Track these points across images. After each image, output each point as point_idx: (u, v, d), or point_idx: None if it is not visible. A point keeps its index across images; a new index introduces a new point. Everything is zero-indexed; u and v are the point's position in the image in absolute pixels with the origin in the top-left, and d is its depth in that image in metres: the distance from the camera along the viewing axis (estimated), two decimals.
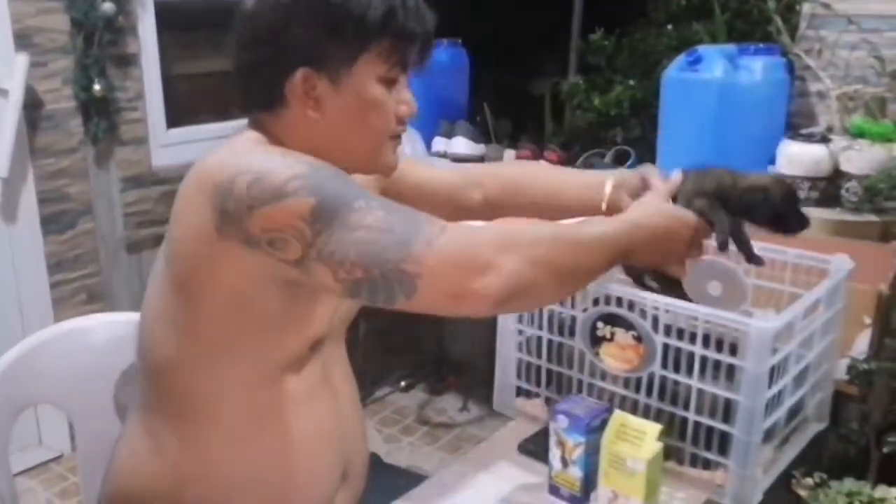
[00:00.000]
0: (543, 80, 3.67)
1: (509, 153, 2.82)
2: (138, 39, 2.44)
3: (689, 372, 1.09)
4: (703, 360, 1.08)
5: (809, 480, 1.16)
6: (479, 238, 0.89)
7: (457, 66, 3.08)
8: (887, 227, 1.70)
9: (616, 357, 1.16)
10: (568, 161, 2.71)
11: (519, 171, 1.36)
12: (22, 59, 2.17)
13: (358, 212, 0.87)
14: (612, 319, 1.15)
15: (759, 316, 1.02)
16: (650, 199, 1.11)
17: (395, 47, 0.97)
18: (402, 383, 2.96)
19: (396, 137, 1.04)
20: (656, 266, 1.14)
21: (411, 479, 1.32)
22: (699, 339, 1.07)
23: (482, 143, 2.91)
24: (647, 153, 2.72)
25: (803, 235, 1.20)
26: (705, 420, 1.09)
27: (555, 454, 1.08)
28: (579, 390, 1.21)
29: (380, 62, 0.97)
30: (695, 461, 1.12)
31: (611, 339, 1.16)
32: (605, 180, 1.21)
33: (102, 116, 2.38)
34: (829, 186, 1.78)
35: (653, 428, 1.01)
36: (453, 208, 1.24)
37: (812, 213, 1.79)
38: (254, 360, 1.00)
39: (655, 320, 1.10)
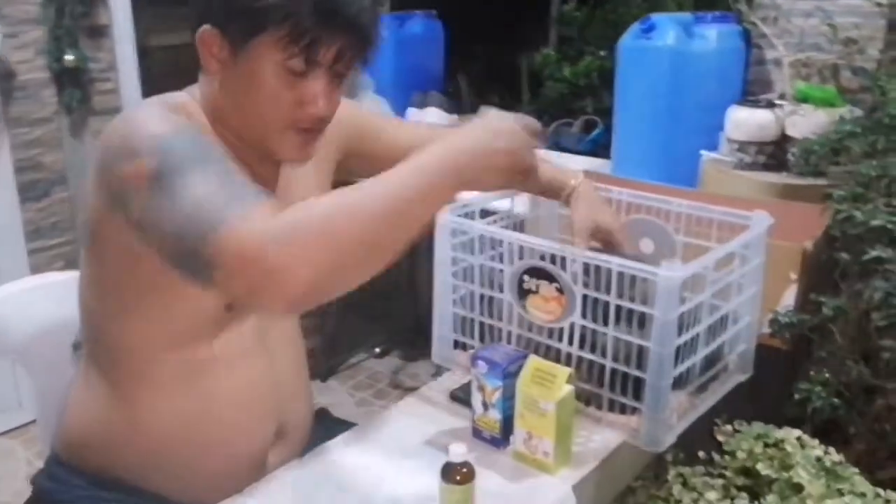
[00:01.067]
0: (523, 53, 3.70)
1: None
2: (109, 10, 2.48)
3: (606, 321, 1.14)
4: (618, 309, 1.13)
5: (729, 427, 1.23)
6: (280, 231, 0.84)
7: (431, 37, 3.12)
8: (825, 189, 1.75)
9: (540, 308, 1.21)
10: None
11: None
12: None
13: (191, 182, 0.88)
14: (537, 273, 1.20)
15: (666, 266, 1.07)
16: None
17: (293, 41, 0.97)
18: (377, 350, 3.02)
19: (304, 131, 1.04)
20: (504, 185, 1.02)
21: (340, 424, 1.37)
22: (613, 290, 1.12)
23: (455, 113, 2.96)
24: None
25: (734, 196, 1.25)
26: (621, 367, 1.14)
27: (476, 398, 1.14)
28: (509, 341, 1.27)
29: (276, 50, 0.97)
30: (612, 406, 1.17)
31: (536, 292, 1.21)
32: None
33: (75, 87, 2.42)
34: (777, 151, 1.82)
35: (563, 372, 1.07)
36: None
37: (759, 177, 1.85)
38: (167, 318, 1.04)
39: (575, 273, 1.15)
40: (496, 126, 0.97)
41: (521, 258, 1.23)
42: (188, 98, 1.07)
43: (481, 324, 1.30)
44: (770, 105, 1.80)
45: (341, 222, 0.86)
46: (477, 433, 1.15)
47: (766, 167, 1.83)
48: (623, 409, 1.17)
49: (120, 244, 0.98)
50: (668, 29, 1.95)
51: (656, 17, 1.99)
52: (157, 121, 0.95)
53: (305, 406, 1.26)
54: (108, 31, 2.49)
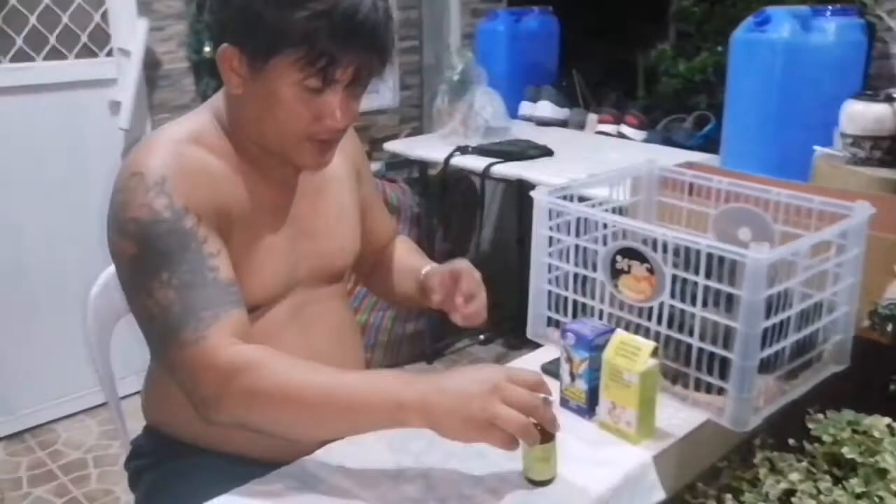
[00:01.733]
0: (640, 49, 3.68)
1: (592, 118, 2.90)
2: None
3: (694, 301, 1.17)
4: (707, 290, 1.16)
5: (820, 416, 1.23)
6: (223, 376, 0.99)
7: (546, 33, 3.17)
8: None
9: (632, 288, 1.25)
10: (649, 125, 2.76)
11: (397, 252, 1.47)
12: (142, 24, 2.43)
13: (158, 282, 1.01)
14: (630, 253, 1.24)
15: (755, 248, 1.09)
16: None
17: (310, 62, 1.01)
18: (482, 336, 3.10)
19: (321, 142, 1.10)
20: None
21: None
22: (702, 271, 1.15)
23: (566, 107, 3.00)
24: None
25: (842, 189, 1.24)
26: (708, 347, 1.17)
27: (564, 369, 1.19)
28: (600, 319, 1.31)
29: (294, 70, 1.02)
30: (698, 386, 1.20)
31: (628, 272, 1.25)
32: (422, 268, 1.36)
33: (211, 76, 2.61)
34: (893, 146, 1.77)
35: (647, 345, 1.11)
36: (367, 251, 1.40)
37: (873, 172, 1.80)
38: None
39: (666, 252, 1.19)
40: (472, 391, 0.95)
41: (614, 240, 1.27)
42: (209, 118, 1.15)
43: (574, 302, 1.35)
44: (889, 99, 1.75)
45: (279, 408, 1.00)
46: (564, 403, 1.21)
47: (882, 163, 1.78)
48: (709, 389, 1.19)
49: None
50: (783, 22, 1.93)
51: (771, 9, 1.97)
52: (143, 196, 1.03)
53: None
54: None
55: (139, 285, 1.03)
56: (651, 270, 1.22)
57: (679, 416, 1.19)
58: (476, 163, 2.43)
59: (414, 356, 2.87)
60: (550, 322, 1.42)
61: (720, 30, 2.90)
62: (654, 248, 1.20)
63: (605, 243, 1.28)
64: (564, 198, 1.38)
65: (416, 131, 3.23)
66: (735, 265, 1.14)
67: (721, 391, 1.18)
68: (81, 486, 2.29)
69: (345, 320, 1.33)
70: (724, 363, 1.16)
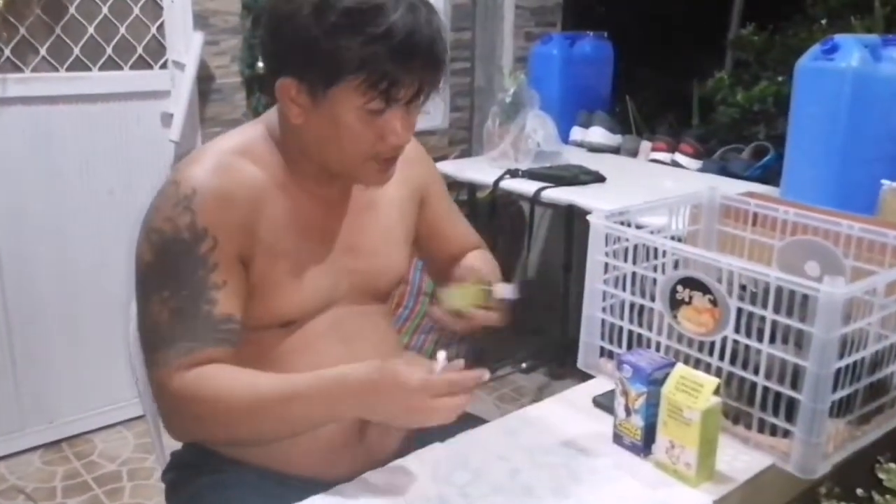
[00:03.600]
0: (694, 79, 3.62)
1: (645, 145, 2.84)
2: None
3: (760, 337, 1.10)
4: (774, 325, 1.09)
5: (893, 465, 1.15)
6: (178, 401, 1.06)
7: (600, 58, 3.12)
8: None
9: (692, 320, 1.19)
10: (704, 155, 2.69)
11: (470, 255, 1.43)
12: (198, 38, 2.44)
13: (159, 298, 1.06)
14: (691, 283, 1.18)
15: (829, 282, 1.03)
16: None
17: (372, 86, 1.01)
18: (524, 364, 3.03)
19: (385, 160, 1.11)
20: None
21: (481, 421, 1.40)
22: (770, 305, 1.09)
23: (619, 133, 2.94)
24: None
25: None
26: (774, 386, 1.10)
27: (619, 402, 1.13)
28: (658, 351, 1.25)
29: (356, 95, 1.02)
30: (762, 427, 1.13)
31: (689, 303, 1.19)
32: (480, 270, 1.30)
33: (263, 92, 2.61)
34: None
35: (710, 382, 1.04)
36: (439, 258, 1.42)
37: None
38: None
39: (731, 284, 1.13)
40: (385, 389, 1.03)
41: (675, 268, 1.21)
42: (262, 131, 1.15)
43: (630, 332, 1.29)
44: None
45: (230, 423, 1.07)
46: (618, 439, 1.14)
47: None
48: (774, 431, 1.12)
49: None
50: (851, 50, 1.85)
51: (840, 37, 1.90)
52: (171, 209, 1.06)
53: None
54: None
55: (144, 293, 1.09)
56: (714, 302, 1.16)
57: (741, 458, 1.12)
58: (526, 187, 2.38)
59: None
60: (603, 352, 1.36)
61: (781, 59, 2.84)
62: (719, 279, 1.14)
63: (663, 272, 1.22)
64: (621, 223, 1.32)
65: (465, 153, 3.19)
66: (806, 300, 1.07)
67: (787, 434, 1.11)
68: (115, 499, 2.27)
69: (386, 338, 1.30)
70: (792, 404, 1.09)
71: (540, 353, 3.06)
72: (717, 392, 1.04)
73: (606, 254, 1.29)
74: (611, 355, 1.34)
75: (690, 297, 1.19)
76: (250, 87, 2.61)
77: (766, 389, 1.11)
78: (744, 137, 2.81)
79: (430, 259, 1.43)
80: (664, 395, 1.06)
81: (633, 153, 2.86)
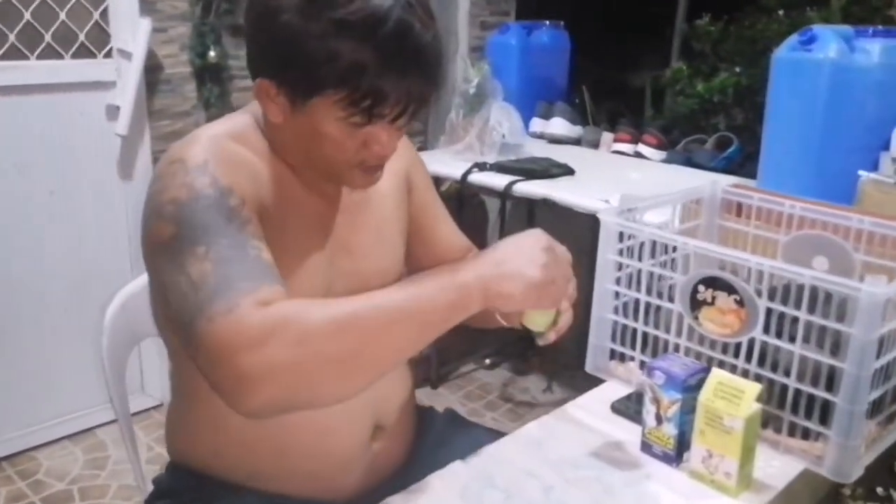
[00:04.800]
0: (642, 70, 3.62)
1: (607, 136, 2.81)
2: None
3: (793, 338, 1.07)
4: (808, 325, 1.05)
5: None
6: (257, 334, 0.82)
7: (558, 48, 3.08)
8: None
9: (716, 321, 1.15)
10: (668, 146, 2.68)
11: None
12: (145, 24, 2.29)
13: (194, 257, 0.87)
14: (714, 282, 1.14)
15: (870, 281, 0.99)
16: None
17: (353, 103, 0.92)
18: (487, 361, 2.98)
19: (371, 167, 1.02)
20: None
21: (493, 434, 1.34)
22: (804, 305, 1.05)
23: (579, 125, 2.91)
24: (750, 141, 2.66)
25: None
26: (807, 388, 1.07)
27: (649, 410, 1.08)
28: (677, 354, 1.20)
29: (337, 108, 0.93)
30: (793, 430, 1.10)
31: (711, 303, 1.15)
32: None
33: (215, 83, 2.48)
34: None
35: (752, 388, 1.00)
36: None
37: None
38: None
39: (760, 284, 1.09)
40: (527, 256, 0.95)
41: (687, 266, 1.17)
42: (250, 121, 1.05)
43: (644, 334, 1.25)
44: None
45: (337, 342, 0.85)
46: (647, 447, 1.09)
47: None
48: (805, 434, 1.09)
49: None
50: (829, 41, 1.85)
51: (817, 28, 1.89)
52: (183, 178, 0.93)
53: (405, 398, 1.23)
54: None
55: (171, 268, 0.89)
56: (740, 302, 1.11)
57: (772, 464, 1.08)
58: (496, 180, 2.32)
59: (418, 381, 2.73)
60: (613, 355, 1.31)
61: (738, 50, 2.85)
62: (748, 278, 1.10)
63: (685, 269, 1.17)
64: (628, 219, 1.28)
65: (422, 146, 3.11)
66: (839, 299, 1.04)
67: (818, 436, 1.07)
68: None
69: None
70: (826, 406, 1.06)
71: (502, 349, 3.02)
72: (759, 398, 1.00)
73: (621, 252, 1.24)
74: (622, 357, 1.29)
75: (714, 298, 1.14)
76: (201, 77, 2.47)
77: (797, 392, 1.08)
78: (701, 128, 2.82)
79: (411, 259, 1.28)
80: (701, 402, 1.02)
81: (595, 144, 2.83)
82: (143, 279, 1.32)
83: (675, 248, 1.20)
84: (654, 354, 1.24)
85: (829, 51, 1.86)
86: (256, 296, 0.84)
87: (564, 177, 2.35)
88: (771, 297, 1.08)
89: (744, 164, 2.56)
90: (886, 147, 1.87)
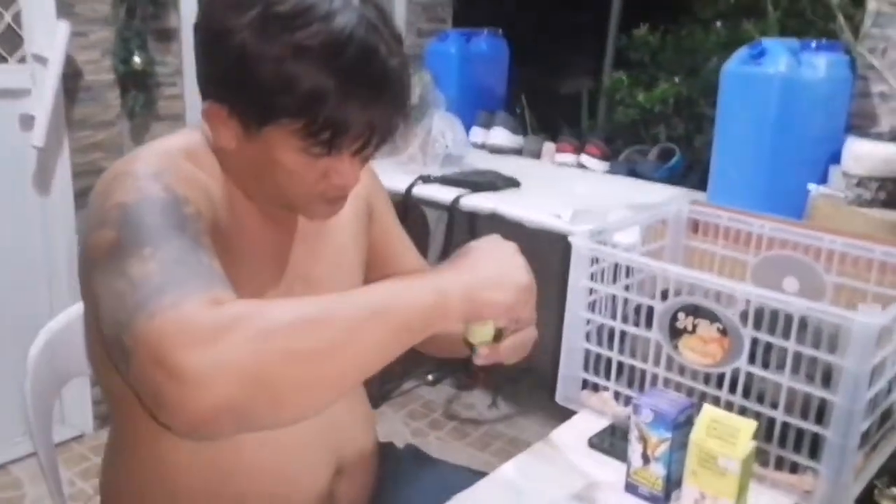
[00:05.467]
0: (576, 78, 3.61)
1: (548, 146, 2.77)
2: (180, 13, 2.39)
3: (780, 368, 1.02)
4: (797, 356, 1.01)
5: (894, 490, 1.11)
6: (208, 327, 0.68)
7: (497, 56, 3.03)
8: None
9: (697, 350, 1.10)
10: (611, 156, 2.65)
11: None
12: (63, 28, 2.12)
13: (138, 258, 0.75)
14: (695, 310, 1.09)
15: (864, 311, 0.96)
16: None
17: (311, 134, 0.84)
18: (430, 377, 2.90)
19: (332, 199, 0.94)
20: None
21: (459, 472, 1.26)
22: (793, 335, 1.01)
23: (520, 134, 2.86)
24: (689, 152, 2.66)
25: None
26: (795, 421, 1.03)
27: (635, 450, 1.02)
28: (653, 384, 1.15)
29: (294, 138, 0.85)
30: (780, 464, 1.06)
31: (692, 332, 1.10)
32: None
33: (140, 90, 2.33)
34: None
35: (747, 425, 0.95)
36: None
37: (879, 215, 1.73)
38: None
39: (745, 313, 1.04)
40: (509, 254, 0.90)
41: (676, 294, 1.12)
42: (201, 139, 0.95)
43: (619, 364, 1.19)
44: (894, 138, 1.69)
45: (302, 337, 0.71)
46: (632, 488, 1.03)
47: (885, 204, 1.72)
48: (793, 468, 1.05)
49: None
50: (779, 55, 1.84)
51: (767, 42, 1.89)
52: (132, 183, 0.82)
53: (368, 439, 1.15)
54: (176, 35, 2.40)
55: (108, 276, 0.76)
56: (723, 331, 1.07)
57: (760, 500, 1.04)
58: (441, 193, 2.24)
59: None
60: (586, 384, 1.25)
61: (676, 60, 2.85)
62: (732, 307, 1.05)
63: (663, 296, 1.12)
64: (597, 242, 1.22)
65: None
66: (827, 328, 1.00)
67: (807, 470, 1.03)
68: None
69: None
70: (815, 439, 1.02)
71: (444, 365, 2.94)
72: (755, 436, 0.95)
73: (592, 276, 1.18)
74: (596, 387, 1.23)
75: (694, 326, 1.10)
76: (125, 85, 2.32)
77: (785, 425, 1.04)
78: (642, 138, 2.81)
79: None
80: (694, 441, 0.96)
81: (537, 155, 2.79)
82: (69, 314, 1.20)
83: (630, 272, 1.15)
84: (630, 384, 1.19)
85: (780, 64, 1.85)
86: (208, 294, 0.72)
87: (510, 189, 2.29)
88: (756, 326, 1.04)
89: (686, 174, 2.56)
90: (834, 160, 1.88)
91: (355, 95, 0.83)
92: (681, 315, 1.10)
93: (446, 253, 2.34)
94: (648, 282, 1.18)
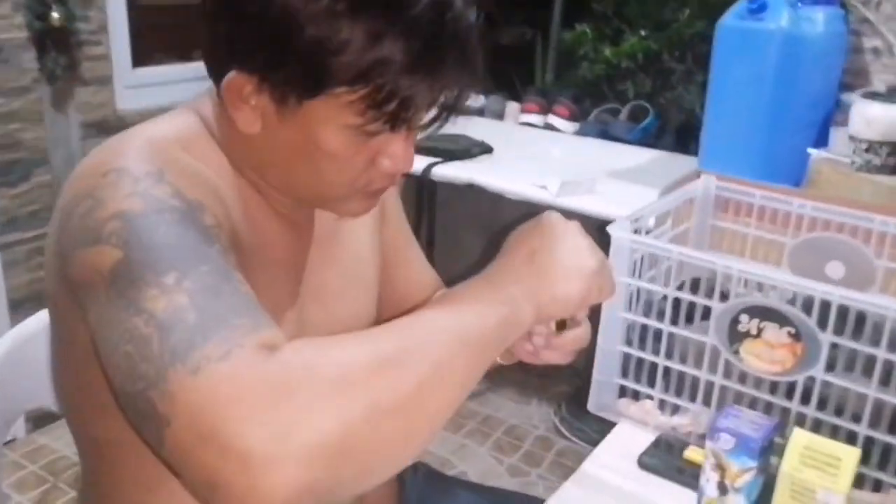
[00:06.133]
0: (515, 27, 3.40)
1: (512, 106, 2.60)
2: None
3: (868, 375, 0.90)
4: (889, 365, 0.89)
5: None
6: (271, 389, 0.54)
7: None
8: None
9: (762, 357, 0.97)
10: (579, 116, 2.51)
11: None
12: None
13: (158, 288, 0.59)
14: (763, 313, 0.96)
15: None
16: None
17: (376, 104, 0.68)
18: None
19: (374, 191, 0.78)
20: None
21: (477, 494, 1.14)
22: (884, 342, 0.89)
23: (481, 93, 2.68)
24: (658, 110, 2.54)
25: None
26: (882, 436, 0.91)
27: (710, 478, 0.89)
28: (708, 393, 1.02)
29: (348, 113, 0.68)
30: (859, 481, 0.94)
31: (757, 336, 0.97)
32: None
33: (60, 51, 2.05)
34: None
35: (849, 453, 0.82)
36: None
37: (888, 181, 1.64)
38: None
39: (824, 316, 0.91)
40: (566, 234, 0.76)
41: (726, 293, 0.98)
42: (198, 125, 0.76)
43: (665, 369, 1.05)
44: None
45: (386, 376, 0.57)
46: None
47: (895, 171, 1.62)
48: (876, 486, 0.94)
49: (87, 342, 0.67)
50: (781, 8, 1.71)
51: None
52: (131, 185, 0.65)
53: None
54: None
55: (116, 310, 0.60)
56: (796, 336, 0.94)
57: None
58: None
59: None
60: (624, 392, 1.11)
61: (642, 13, 2.70)
62: (808, 309, 0.92)
63: (720, 296, 0.98)
64: (636, 231, 1.08)
65: None
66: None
67: (891, 490, 0.92)
68: None
69: None
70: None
71: None
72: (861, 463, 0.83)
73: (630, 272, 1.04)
74: (637, 395, 1.10)
75: (760, 329, 0.96)
76: (42, 44, 2.03)
77: (869, 439, 0.92)
78: (605, 96, 2.67)
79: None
80: (785, 472, 0.83)
81: (500, 115, 2.62)
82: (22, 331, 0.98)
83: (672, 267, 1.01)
84: (679, 392, 1.05)
85: (781, 19, 1.72)
86: (258, 337, 0.57)
87: (483, 155, 2.12)
88: (838, 331, 0.91)
89: (660, 135, 2.44)
90: (830, 122, 1.78)
91: (428, 56, 0.66)
92: (744, 317, 0.97)
93: (416, 233, 2.16)
94: (677, 270, 1.05)
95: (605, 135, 2.40)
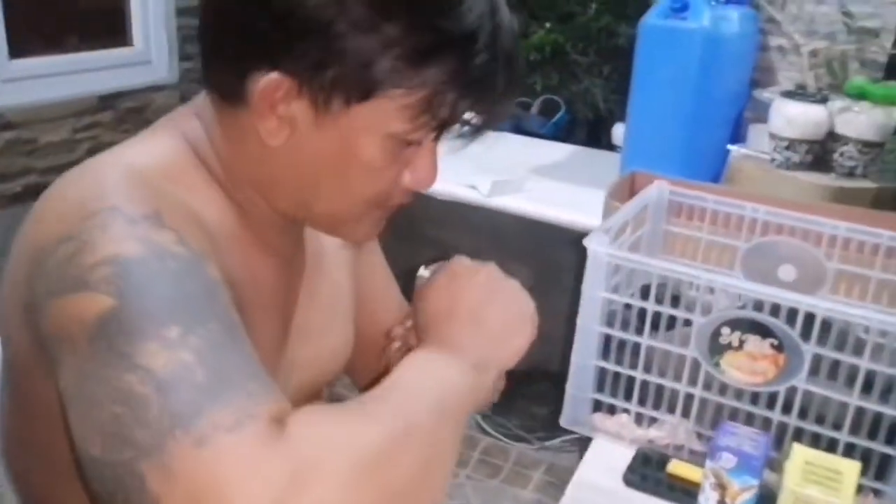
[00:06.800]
0: None
1: None
2: None
3: (850, 384, 0.92)
4: (870, 374, 0.91)
5: None
6: (286, 466, 0.48)
7: None
8: (881, 193, 1.64)
9: (743, 369, 0.97)
10: None
11: None
12: None
13: (157, 344, 0.51)
14: (744, 325, 0.96)
15: None
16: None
17: (430, 109, 0.63)
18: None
19: (388, 211, 0.73)
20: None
21: None
22: (867, 352, 0.90)
23: None
24: (566, 105, 2.56)
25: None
26: (861, 441, 0.93)
27: (709, 497, 0.88)
28: (686, 405, 1.02)
29: (397, 118, 0.63)
30: None
31: (738, 348, 0.97)
32: None
33: None
34: (821, 150, 1.68)
35: (850, 467, 0.84)
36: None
37: (806, 178, 1.70)
38: None
39: (807, 327, 0.92)
40: (495, 280, 0.74)
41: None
42: (184, 149, 0.68)
43: (643, 382, 1.04)
44: (823, 99, 1.65)
45: (398, 454, 0.53)
46: None
47: (810, 167, 1.69)
48: (857, 489, 0.96)
49: (51, 402, 0.59)
50: (703, 8, 1.75)
51: None
52: (124, 228, 0.56)
53: None
54: None
55: (105, 359, 0.52)
56: (778, 347, 0.95)
57: None
58: None
59: None
60: (598, 406, 1.09)
61: (549, 5, 2.71)
62: (792, 321, 0.93)
63: (704, 310, 0.98)
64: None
65: None
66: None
67: (870, 493, 0.95)
68: None
69: None
70: (885, 461, 0.93)
71: None
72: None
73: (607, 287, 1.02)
74: (612, 410, 1.08)
75: (741, 341, 0.97)
76: None
77: (850, 446, 0.94)
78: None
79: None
80: (789, 489, 0.84)
81: None
82: None
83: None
84: (657, 405, 1.05)
85: (703, 19, 1.75)
86: (271, 407, 0.51)
87: None
88: (821, 342, 0.93)
89: (571, 129, 2.46)
90: (743, 119, 1.84)
91: (484, 71, 0.63)
92: (725, 329, 0.97)
93: None
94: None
95: (519, 129, 2.39)
